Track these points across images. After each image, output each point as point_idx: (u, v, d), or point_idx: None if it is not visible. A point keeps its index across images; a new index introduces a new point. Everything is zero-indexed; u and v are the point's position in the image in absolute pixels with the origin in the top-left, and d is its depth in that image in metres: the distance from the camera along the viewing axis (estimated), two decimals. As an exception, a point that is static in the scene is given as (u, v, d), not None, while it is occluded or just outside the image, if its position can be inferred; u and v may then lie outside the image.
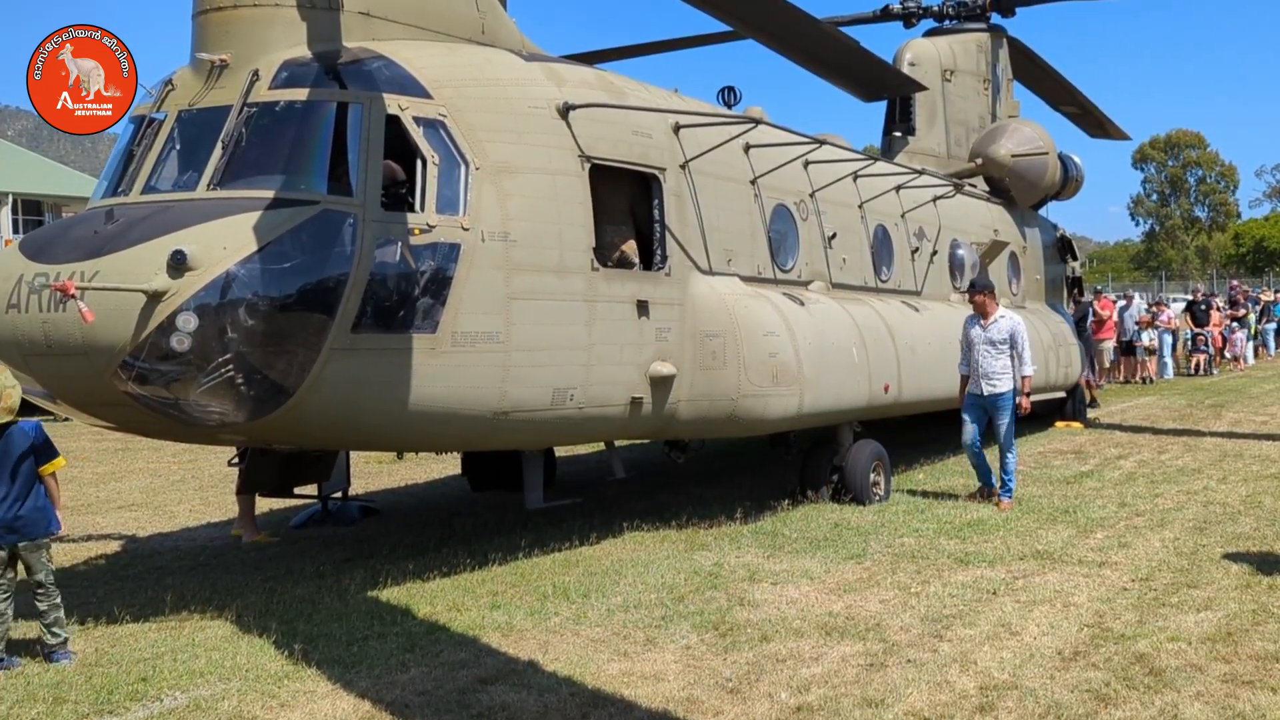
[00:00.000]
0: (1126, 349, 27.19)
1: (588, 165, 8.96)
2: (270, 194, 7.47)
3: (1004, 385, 11.03)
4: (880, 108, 17.83)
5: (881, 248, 13.30)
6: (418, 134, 7.99)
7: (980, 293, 11.27)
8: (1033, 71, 20.34)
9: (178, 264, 6.92)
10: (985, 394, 11.10)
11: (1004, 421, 11.10)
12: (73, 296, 6.72)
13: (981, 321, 11.14)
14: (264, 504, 11.12)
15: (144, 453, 17.51)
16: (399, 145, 7.95)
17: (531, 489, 9.54)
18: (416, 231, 7.74)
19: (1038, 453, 15.14)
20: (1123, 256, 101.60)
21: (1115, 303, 27.72)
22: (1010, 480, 11.16)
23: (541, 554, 9.16)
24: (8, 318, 7.26)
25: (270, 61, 7.98)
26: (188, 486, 14.12)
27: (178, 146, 8.18)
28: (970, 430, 11.23)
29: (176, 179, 8.04)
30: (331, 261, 7.41)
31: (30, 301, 7.17)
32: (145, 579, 8.99)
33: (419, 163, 7.96)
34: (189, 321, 6.91)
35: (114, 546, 10.39)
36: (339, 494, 11.17)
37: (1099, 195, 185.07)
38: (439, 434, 8.34)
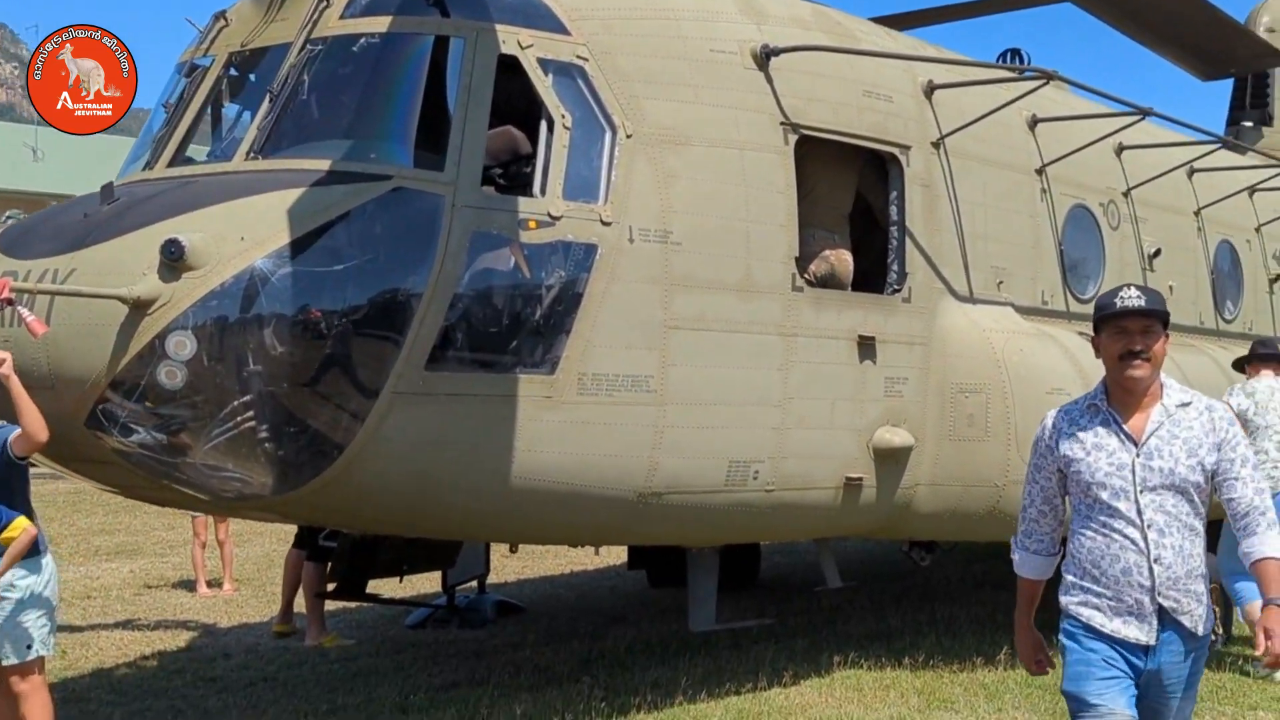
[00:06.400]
0: None
1: (794, 138, 7.85)
2: (325, 165, 6.58)
3: (1202, 608, 4.47)
4: (1223, 89, 16.26)
5: (1226, 274, 11.92)
6: (544, 83, 6.97)
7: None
8: None
9: (172, 260, 5.94)
10: (1156, 642, 4.40)
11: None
12: (9, 302, 5.63)
13: (1122, 423, 4.52)
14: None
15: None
16: (516, 99, 6.98)
17: (700, 603, 8.39)
18: (533, 224, 6.77)
19: None
20: None
21: None
22: None
23: (709, 698, 7.92)
24: None
25: (346, -18, 7.14)
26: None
27: (224, 102, 7.50)
28: None
29: (215, 146, 7.36)
30: (402, 263, 6.47)
31: (-10, 312, 6.40)
32: (188, 697, 8.27)
33: (543, 125, 6.97)
34: (183, 345, 5.95)
35: (179, 640, 9.97)
36: (473, 581, 10.63)
37: None
38: (557, 521, 7.31)
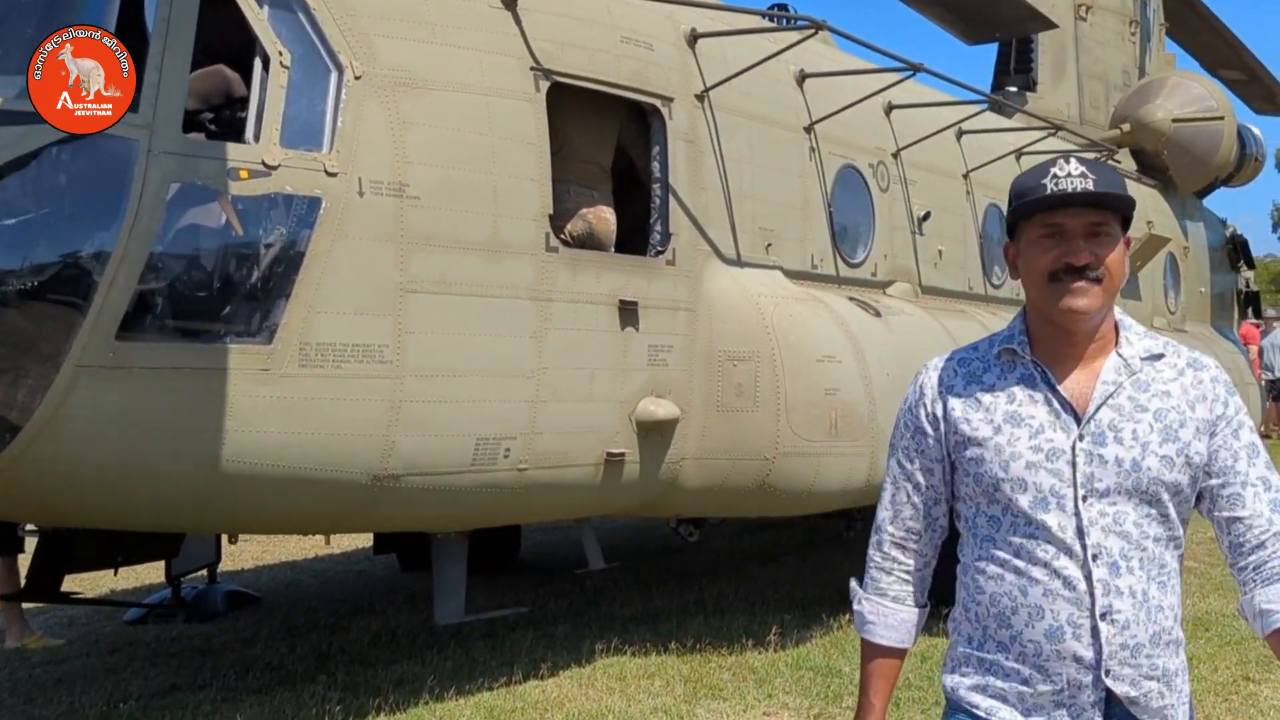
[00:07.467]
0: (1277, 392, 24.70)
1: (546, 84, 7.48)
2: (-9, 103, 5.91)
3: (1176, 696, 2.79)
4: (988, 53, 16.36)
5: (996, 239, 11.96)
6: (258, 16, 6.41)
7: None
8: (1190, 21, 19.08)
9: None
10: None
11: None
12: None
13: (1055, 383, 2.81)
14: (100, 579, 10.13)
15: None
16: (226, 33, 6.46)
17: (446, 594, 8.03)
18: (245, 174, 6.25)
19: (1210, 538, 13.11)
20: (1263, 276, 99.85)
21: (1260, 330, 25.32)
22: None
23: (458, 695, 7.52)
24: None
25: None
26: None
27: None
28: None
29: None
30: (86, 217, 5.92)
31: None
32: None
33: (258, 64, 6.44)
34: None
35: None
36: (203, 570, 10.06)
37: (1233, 202, 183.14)
38: (278, 508, 6.79)
